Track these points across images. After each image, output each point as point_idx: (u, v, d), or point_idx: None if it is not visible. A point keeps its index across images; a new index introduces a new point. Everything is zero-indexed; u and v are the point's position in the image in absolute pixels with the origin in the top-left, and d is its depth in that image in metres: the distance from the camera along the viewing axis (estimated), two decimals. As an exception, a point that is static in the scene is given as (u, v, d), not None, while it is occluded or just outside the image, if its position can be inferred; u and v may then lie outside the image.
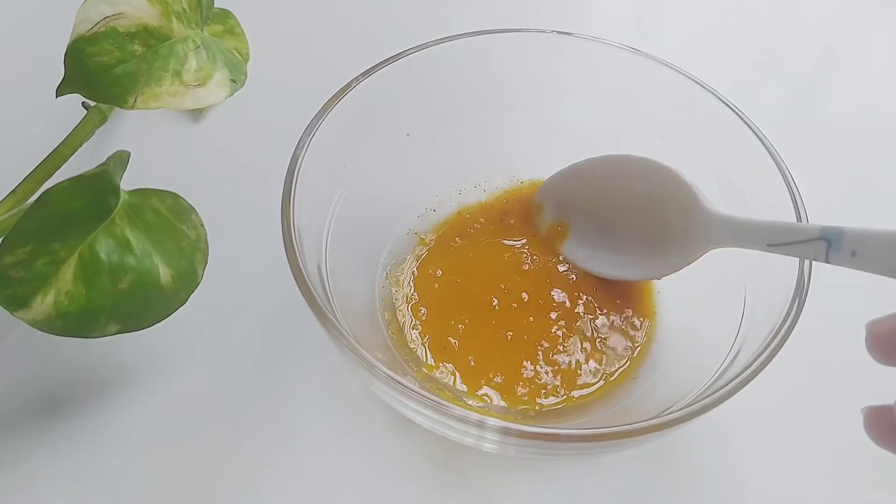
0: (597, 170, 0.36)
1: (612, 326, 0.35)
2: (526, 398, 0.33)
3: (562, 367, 0.33)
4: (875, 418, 0.24)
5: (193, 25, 0.36)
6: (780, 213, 0.30)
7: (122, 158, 0.32)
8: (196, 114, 0.46)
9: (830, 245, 0.24)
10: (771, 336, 0.27)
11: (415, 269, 0.37)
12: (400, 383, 0.25)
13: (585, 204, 0.37)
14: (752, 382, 0.26)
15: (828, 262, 0.25)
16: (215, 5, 0.50)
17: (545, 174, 0.40)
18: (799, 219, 0.30)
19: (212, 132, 0.46)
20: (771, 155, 0.32)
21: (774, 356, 0.26)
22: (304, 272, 0.27)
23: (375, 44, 0.38)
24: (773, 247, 0.28)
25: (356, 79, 0.33)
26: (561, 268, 0.37)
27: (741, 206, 0.33)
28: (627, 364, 0.34)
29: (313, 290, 0.27)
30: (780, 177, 0.31)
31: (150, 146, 0.45)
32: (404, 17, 0.55)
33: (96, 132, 0.39)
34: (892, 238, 0.22)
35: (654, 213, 0.34)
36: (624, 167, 0.35)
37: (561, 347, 0.34)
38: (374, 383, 0.26)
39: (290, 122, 0.33)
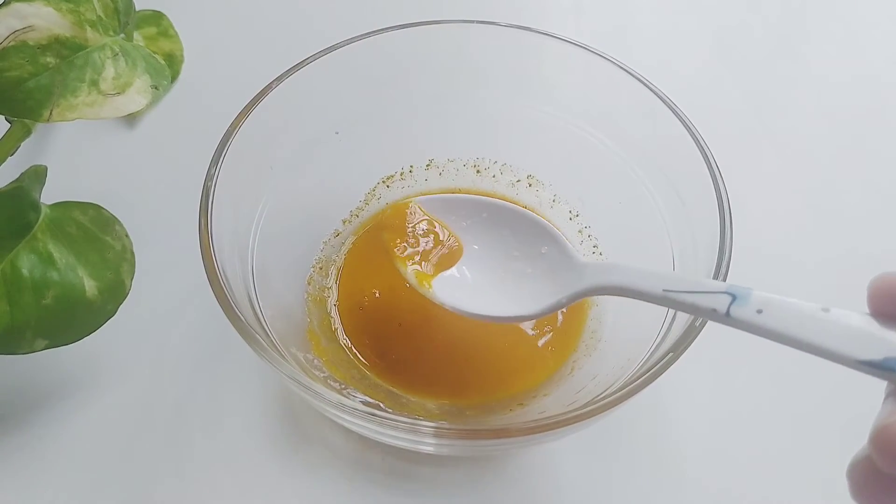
0: (471, 207, 0.33)
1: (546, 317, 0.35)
2: (461, 396, 0.33)
3: (497, 362, 0.34)
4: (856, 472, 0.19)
5: (111, 33, 0.36)
6: (704, 201, 0.30)
7: (37, 173, 0.31)
8: (130, 119, 0.46)
9: (735, 299, 0.22)
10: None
11: (341, 270, 0.37)
12: (342, 404, 0.25)
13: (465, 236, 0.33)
14: (686, 362, 0.26)
15: (726, 317, 0.22)
16: (149, 8, 0.50)
17: (476, 164, 0.40)
18: (721, 205, 0.30)
19: (146, 137, 0.46)
20: (687, 128, 0.31)
21: (700, 331, 0.26)
22: (225, 289, 0.27)
23: (314, 39, 0.37)
24: (669, 293, 0.24)
25: (269, 85, 0.32)
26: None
27: (671, 193, 0.33)
28: (563, 352, 0.35)
29: (241, 317, 0.26)
30: (705, 165, 0.31)
31: (83, 155, 0.44)
32: (340, 11, 0.55)
33: (26, 144, 0.39)
34: (804, 305, 0.20)
35: (519, 260, 0.31)
36: (496, 212, 0.32)
37: (495, 344, 0.34)
38: (313, 403, 0.26)
39: (225, 123, 0.32)
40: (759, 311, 0.21)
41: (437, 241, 0.33)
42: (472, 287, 0.31)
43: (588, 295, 0.28)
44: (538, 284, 0.30)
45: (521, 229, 0.31)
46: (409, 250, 0.33)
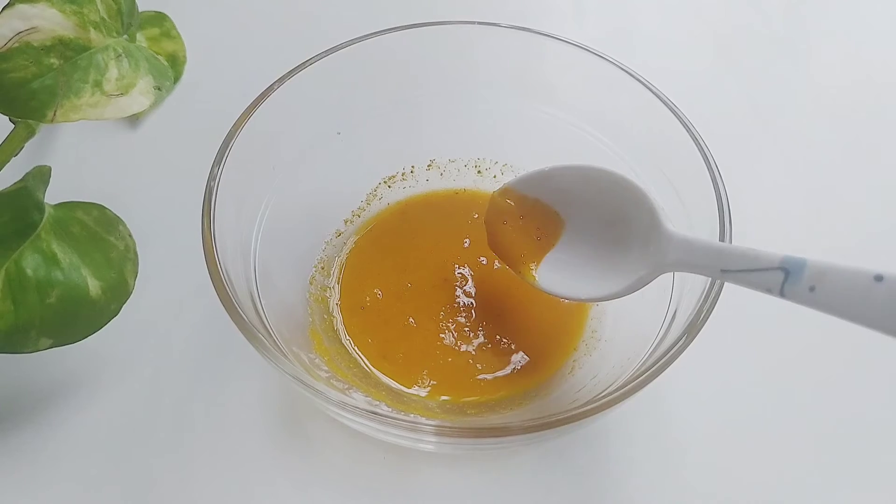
0: (564, 178, 0.32)
1: (547, 317, 0.36)
2: (461, 395, 0.33)
3: (499, 361, 0.34)
4: None
5: (114, 34, 0.36)
6: (705, 204, 0.30)
7: (41, 173, 0.32)
8: (133, 120, 0.46)
9: (788, 276, 0.22)
10: (695, 311, 0.27)
11: (343, 270, 0.37)
12: (343, 403, 0.25)
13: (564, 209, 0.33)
14: (686, 361, 0.26)
15: (781, 296, 0.23)
16: (152, 9, 0.50)
17: (483, 166, 0.40)
18: (720, 206, 0.30)
19: (149, 138, 0.46)
20: (687, 129, 0.31)
21: (700, 329, 0.27)
22: (228, 289, 0.27)
23: (316, 40, 0.37)
24: (727, 273, 0.25)
25: (271, 86, 0.33)
26: (496, 263, 0.37)
27: (671, 194, 0.33)
28: (564, 352, 0.35)
29: (244, 316, 0.27)
30: (705, 166, 0.31)
31: (86, 156, 0.45)
32: (342, 12, 0.55)
33: (30, 145, 0.39)
34: (857, 276, 0.20)
35: (613, 230, 0.31)
36: (589, 178, 0.32)
37: (496, 343, 0.34)
38: (315, 402, 0.26)
39: (228, 124, 0.32)
40: (812, 289, 0.21)
41: (537, 221, 0.33)
42: (574, 266, 0.31)
43: (669, 271, 0.28)
44: (631, 253, 0.30)
45: (613, 191, 0.31)
46: (514, 241, 0.33)
